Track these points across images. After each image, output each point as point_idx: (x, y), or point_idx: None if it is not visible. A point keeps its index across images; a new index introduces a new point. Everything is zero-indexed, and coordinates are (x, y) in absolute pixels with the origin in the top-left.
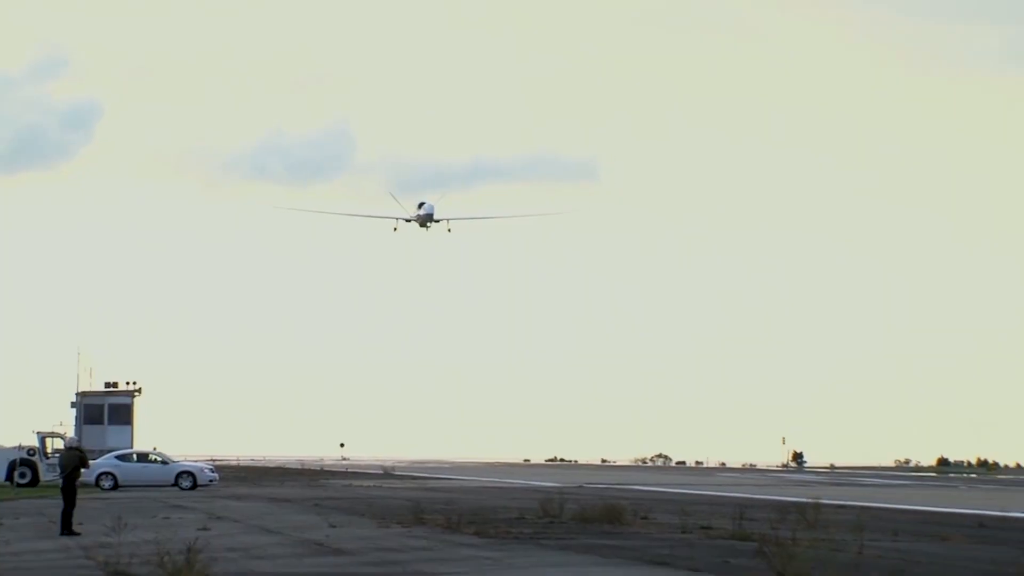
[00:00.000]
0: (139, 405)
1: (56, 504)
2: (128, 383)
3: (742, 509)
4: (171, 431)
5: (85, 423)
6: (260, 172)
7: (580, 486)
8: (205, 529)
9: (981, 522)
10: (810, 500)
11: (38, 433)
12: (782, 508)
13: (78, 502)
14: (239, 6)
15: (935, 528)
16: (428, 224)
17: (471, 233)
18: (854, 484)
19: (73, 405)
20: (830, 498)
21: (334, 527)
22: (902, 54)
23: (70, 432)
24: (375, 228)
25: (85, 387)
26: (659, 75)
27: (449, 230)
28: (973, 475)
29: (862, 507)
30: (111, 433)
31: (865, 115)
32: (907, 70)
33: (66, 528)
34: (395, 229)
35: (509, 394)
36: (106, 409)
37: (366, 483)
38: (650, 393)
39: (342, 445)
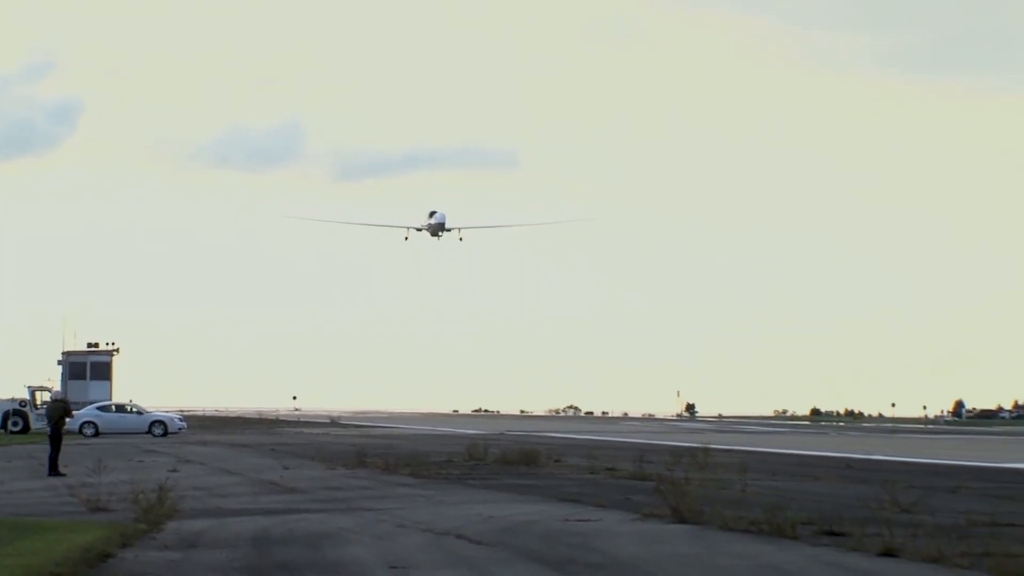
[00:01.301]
0: (117, 363)
1: (44, 449)
2: (108, 343)
3: (642, 453)
4: (146, 385)
5: (70, 378)
6: (223, 160)
7: (501, 433)
8: (175, 471)
9: (848, 464)
10: (700, 445)
11: (29, 387)
12: (676, 452)
13: (64, 447)
14: (208, 12)
15: (809, 469)
16: (440, 233)
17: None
18: (739, 431)
19: (59, 363)
20: (718, 443)
21: (287, 469)
22: (783, 57)
23: (57, 386)
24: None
25: (70, 347)
26: (575, 72)
27: (461, 239)
28: (841, 423)
29: (746, 451)
30: (93, 387)
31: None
32: (787, 71)
33: (53, 470)
34: (406, 239)
35: (439, 354)
36: (88, 366)
37: (315, 431)
38: (563, 352)
39: (294, 398)
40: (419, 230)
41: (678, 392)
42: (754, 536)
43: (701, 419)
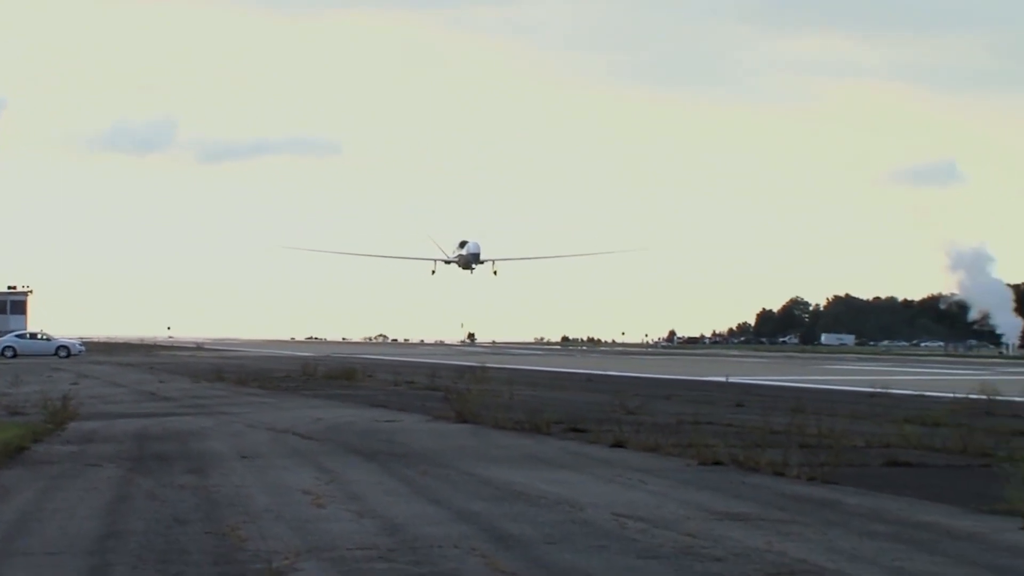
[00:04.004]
0: (31, 301)
1: None
2: (23, 286)
3: (434, 370)
4: (53, 318)
5: None
6: (114, 145)
7: (327, 355)
8: (76, 384)
9: (589, 378)
10: (478, 364)
11: None
12: (460, 370)
13: None
14: (102, 29)
15: (560, 382)
16: (473, 265)
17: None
18: (508, 354)
19: None
20: (492, 363)
21: (162, 382)
22: (543, 71)
23: None
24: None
25: None
26: (386, 83)
27: (495, 272)
28: (584, 348)
29: (513, 369)
30: (12, 320)
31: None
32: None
33: None
34: (433, 272)
35: (281, 292)
36: (8, 304)
37: (185, 354)
38: (372, 289)
39: (168, 328)
40: (448, 262)
41: (462, 324)
42: (518, 432)
43: (480, 345)
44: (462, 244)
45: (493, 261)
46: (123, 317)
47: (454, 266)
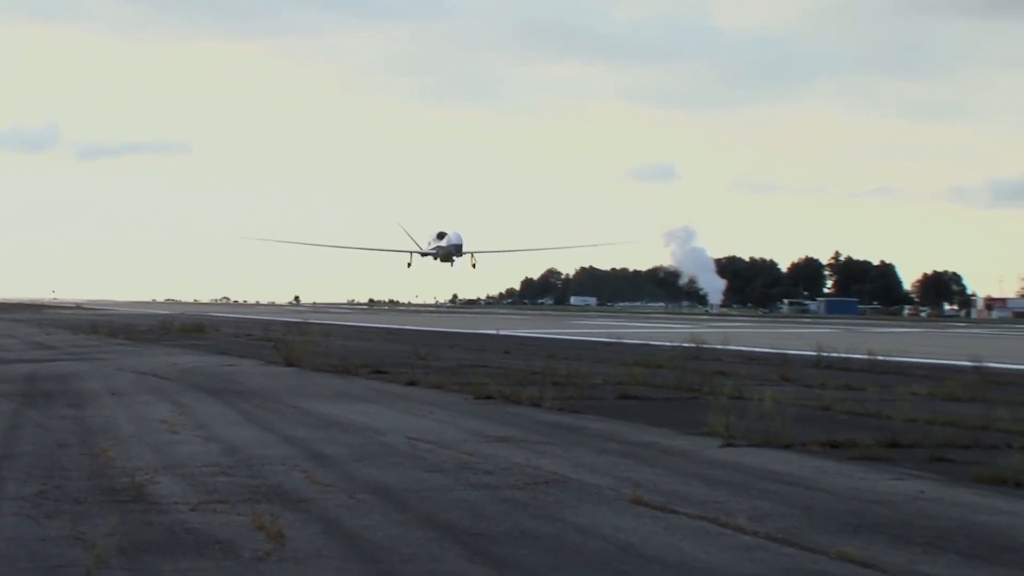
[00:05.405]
0: None
1: None
2: None
3: (267, 325)
4: None
5: None
6: (8, 145)
7: (182, 313)
8: None
9: (389, 331)
10: (302, 320)
11: None
12: (288, 325)
13: None
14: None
15: (366, 334)
16: (453, 258)
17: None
18: (326, 313)
19: None
20: (314, 320)
21: (48, 335)
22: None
23: None
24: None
25: None
26: (231, 94)
27: (474, 265)
28: (386, 308)
29: (330, 324)
30: None
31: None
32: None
33: None
34: (409, 265)
35: (147, 261)
36: None
37: (67, 312)
38: (216, 259)
39: (53, 291)
40: (424, 255)
41: (295, 297)
42: (333, 374)
43: (303, 305)
44: (441, 235)
45: (472, 253)
46: (15, 281)
47: (430, 258)
